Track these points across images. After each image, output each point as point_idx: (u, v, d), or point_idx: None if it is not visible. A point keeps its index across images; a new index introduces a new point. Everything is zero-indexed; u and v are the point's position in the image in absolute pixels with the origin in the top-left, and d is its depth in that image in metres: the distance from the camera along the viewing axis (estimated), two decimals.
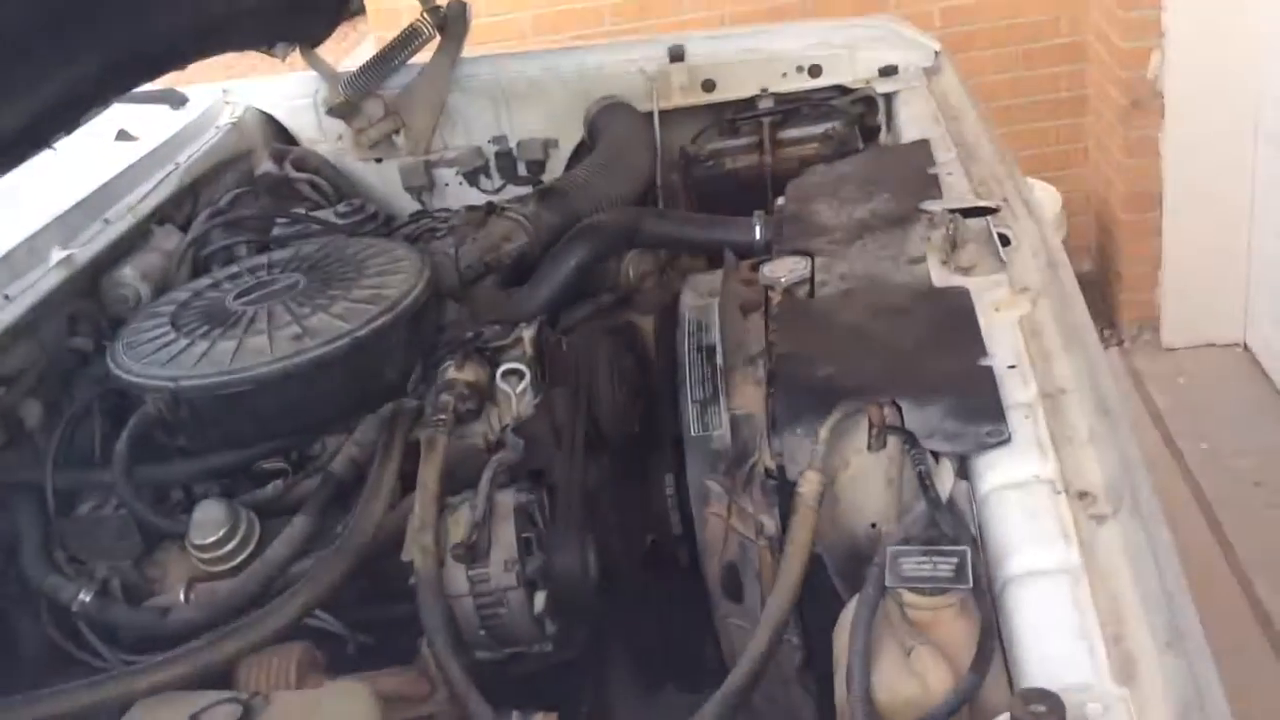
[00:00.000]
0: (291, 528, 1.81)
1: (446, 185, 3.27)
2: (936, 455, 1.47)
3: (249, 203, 2.71)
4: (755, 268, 2.18)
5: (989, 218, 1.99)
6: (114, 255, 2.30)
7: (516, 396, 1.83)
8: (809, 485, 1.46)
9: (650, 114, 2.91)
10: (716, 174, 2.76)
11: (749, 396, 1.82)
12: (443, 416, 1.77)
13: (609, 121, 2.80)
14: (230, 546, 1.84)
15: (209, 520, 1.84)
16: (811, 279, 1.93)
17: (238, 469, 1.99)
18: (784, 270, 1.94)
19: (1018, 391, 1.52)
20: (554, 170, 3.13)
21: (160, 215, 2.47)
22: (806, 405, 1.58)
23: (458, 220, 2.80)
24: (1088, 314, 1.75)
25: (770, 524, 1.65)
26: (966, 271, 1.84)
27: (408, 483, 1.75)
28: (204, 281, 2.21)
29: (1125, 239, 4.52)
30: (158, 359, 1.95)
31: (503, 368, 1.84)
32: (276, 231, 2.49)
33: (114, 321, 2.26)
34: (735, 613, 1.78)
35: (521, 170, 3.18)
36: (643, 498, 1.99)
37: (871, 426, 1.51)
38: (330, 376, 1.90)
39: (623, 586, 1.86)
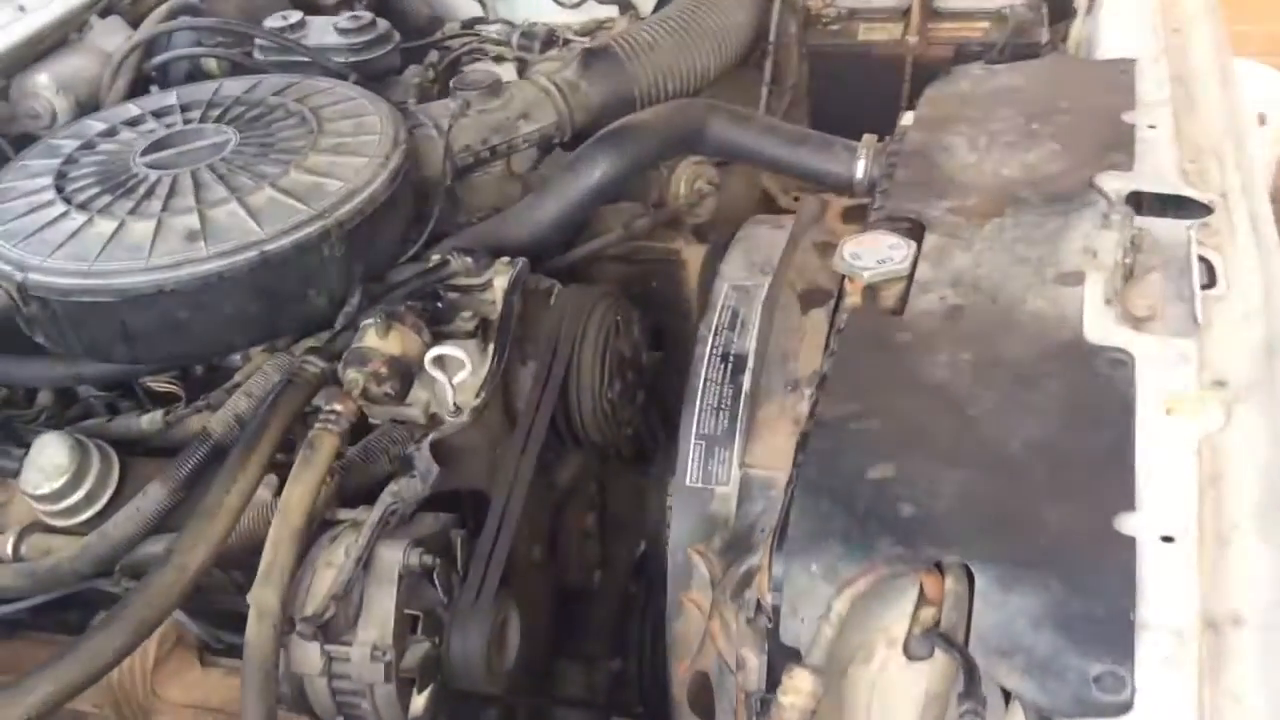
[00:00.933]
0: (143, 498, 1.36)
1: None
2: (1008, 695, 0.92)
3: None
4: (848, 215, 1.58)
5: (1193, 226, 1.34)
6: (29, 52, 1.77)
7: (454, 389, 1.30)
8: (794, 695, 0.93)
9: None
10: (842, 46, 2.09)
11: (778, 447, 1.26)
12: (337, 409, 1.26)
13: None
14: (73, 500, 1.41)
15: (47, 464, 1.40)
16: (911, 276, 1.32)
17: (110, 382, 1.53)
18: (873, 254, 1.34)
19: (1168, 603, 0.94)
20: None
21: (108, 2, 1.92)
22: (835, 527, 1.03)
23: (507, 50, 2.22)
24: None
25: (753, 671, 1.12)
26: (1139, 323, 1.22)
27: None
28: (123, 111, 1.68)
29: None
30: (18, 230, 1.47)
31: (433, 352, 1.30)
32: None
33: (18, 140, 1.77)
34: None
35: None
36: (640, 493, 1.49)
37: (918, 607, 0.96)
38: (225, 298, 1.40)
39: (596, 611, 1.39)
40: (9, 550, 1.43)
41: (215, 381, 1.54)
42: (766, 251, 1.45)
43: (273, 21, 2.01)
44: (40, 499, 1.41)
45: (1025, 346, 1.22)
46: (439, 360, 1.28)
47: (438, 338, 1.39)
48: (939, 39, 2.04)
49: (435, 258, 1.49)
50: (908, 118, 1.67)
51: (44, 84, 1.75)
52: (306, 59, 1.90)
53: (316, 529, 1.26)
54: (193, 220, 1.43)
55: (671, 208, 1.71)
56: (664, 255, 1.73)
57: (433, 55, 2.25)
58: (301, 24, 2.03)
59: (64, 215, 1.47)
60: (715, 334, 1.36)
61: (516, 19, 2.68)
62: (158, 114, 1.64)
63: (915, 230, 1.42)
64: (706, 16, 1.86)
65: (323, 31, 2.01)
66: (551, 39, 2.28)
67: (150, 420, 1.50)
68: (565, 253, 1.65)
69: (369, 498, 1.29)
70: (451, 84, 1.74)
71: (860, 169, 1.60)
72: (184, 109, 1.64)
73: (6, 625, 1.46)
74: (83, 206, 1.47)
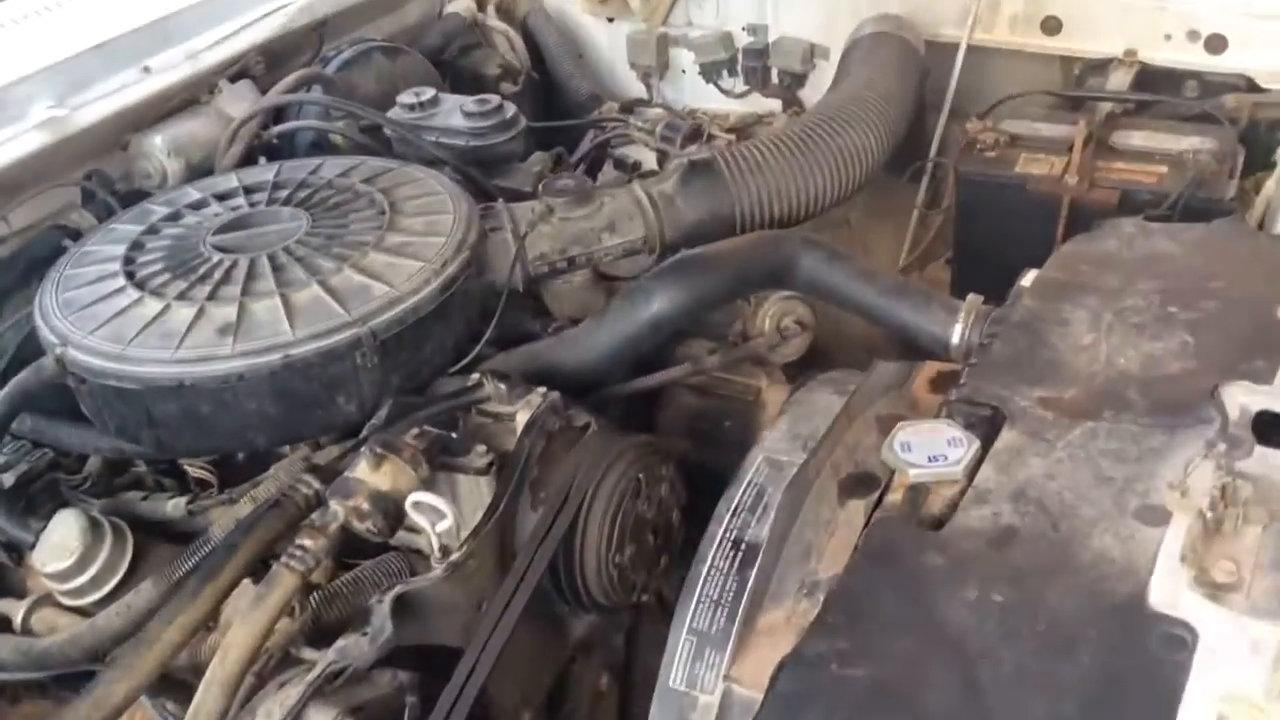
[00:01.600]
0: (135, 594, 1.33)
1: (683, 73, 2.56)
2: None
3: (391, 63, 2.12)
4: (938, 384, 1.41)
5: None
6: (153, 112, 1.79)
7: (436, 537, 1.20)
8: None
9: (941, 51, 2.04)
10: (995, 176, 1.89)
11: (774, 663, 1.10)
12: (305, 545, 1.18)
13: (863, 59, 1.97)
14: (79, 582, 1.39)
15: (58, 542, 1.39)
16: (971, 478, 1.14)
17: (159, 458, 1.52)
18: (927, 448, 1.17)
19: None
20: (816, 87, 2.33)
21: (242, 66, 1.93)
22: None
23: (651, 139, 2.13)
24: None
25: None
26: (1216, 591, 1.00)
27: None
28: (212, 186, 1.67)
29: None
30: (75, 300, 1.47)
31: (412, 498, 1.20)
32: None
33: (128, 197, 1.79)
34: None
35: (774, 78, 2.41)
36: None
37: None
38: (246, 397, 1.35)
39: None
40: (18, 621, 1.43)
41: (253, 471, 1.50)
42: (824, 420, 1.29)
43: (405, 98, 1.98)
44: (49, 576, 1.40)
45: (1073, 597, 1.02)
46: (418, 506, 1.19)
47: (448, 469, 1.30)
48: (1105, 180, 1.81)
49: (473, 378, 1.40)
50: (1028, 278, 1.48)
51: (158, 145, 1.78)
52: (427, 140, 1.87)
53: (276, 666, 1.19)
54: (231, 312, 1.39)
55: (749, 345, 1.57)
56: (740, 393, 1.59)
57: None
58: (434, 101, 2.00)
59: (119, 291, 1.46)
60: (734, 514, 1.21)
61: (681, 104, 2.60)
62: (221, 197, 1.62)
63: (994, 419, 1.24)
64: (833, 136, 1.71)
65: (450, 113, 1.97)
66: (696, 133, 2.17)
67: (175, 506, 1.47)
68: (627, 382, 1.53)
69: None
70: (540, 187, 1.65)
71: (957, 333, 1.42)
72: (248, 191, 1.62)
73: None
74: (139, 284, 1.46)
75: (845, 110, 1.75)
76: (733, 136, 2.14)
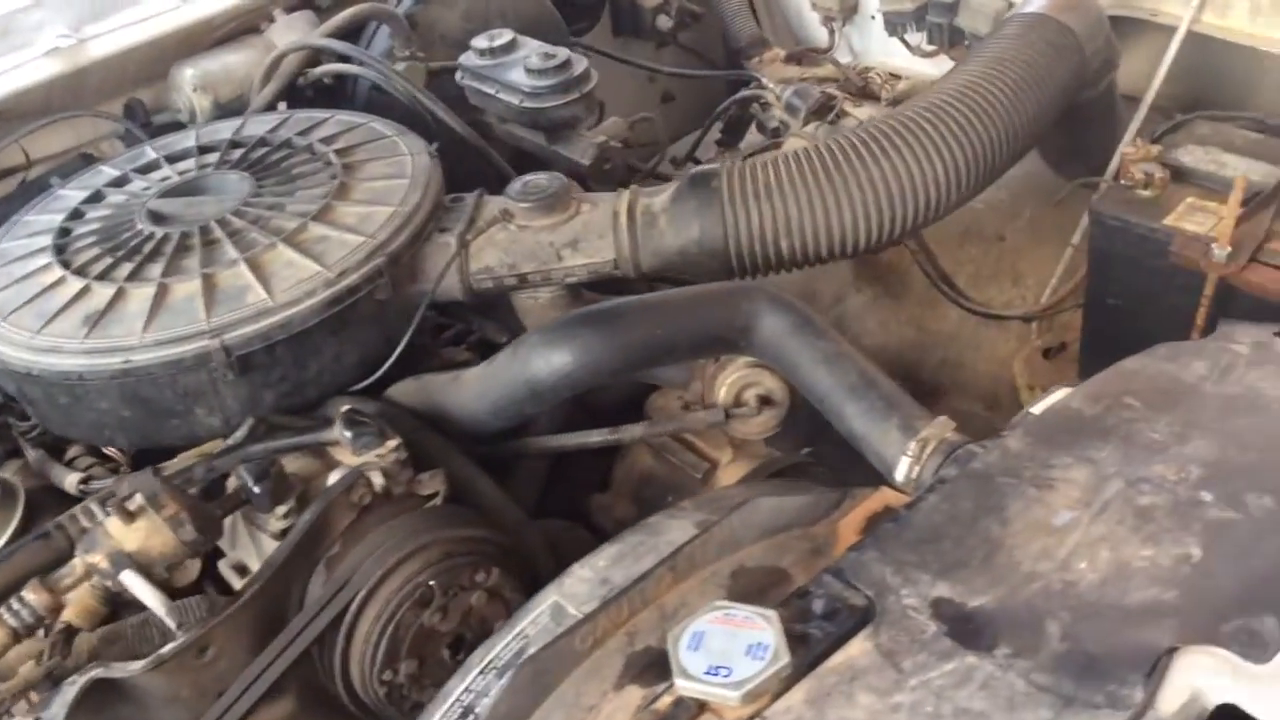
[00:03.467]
0: None
1: (872, 19, 2.15)
2: None
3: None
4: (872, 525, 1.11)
5: None
6: (200, 40, 1.69)
7: (167, 612, 1.04)
8: None
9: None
10: (1135, 223, 1.42)
11: None
12: (26, 600, 1.06)
13: (990, 49, 1.52)
14: None
15: None
16: (754, 714, 0.85)
17: None
18: (717, 651, 0.87)
19: None
20: None
21: None
22: None
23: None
24: None
25: None
26: None
27: None
28: (170, 145, 1.55)
29: None
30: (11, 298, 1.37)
31: (122, 577, 1.03)
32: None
33: (161, 129, 1.71)
34: None
35: (967, 41, 1.97)
36: None
37: None
38: (95, 396, 1.24)
39: None
40: None
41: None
42: (654, 561, 1.00)
43: (480, 41, 1.76)
44: None
45: None
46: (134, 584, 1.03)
47: (250, 524, 1.14)
48: (1275, 257, 1.30)
49: (341, 410, 1.22)
50: (1039, 406, 1.09)
51: (186, 78, 1.67)
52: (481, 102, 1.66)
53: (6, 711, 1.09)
54: (102, 300, 1.27)
55: (691, 417, 1.27)
56: (692, 466, 1.30)
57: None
58: (509, 46, 1.77)
59: (53, 287, 1.35)
60: (483, 670, 0.96)
61: (871, 56, 2.21)
62: (173, 159, 1.49)
63: (857, 617, 0.91)
64: (880, 157, 1.30)
65: (519, 63, 1.74)
66: (826, 105, 1.81)
67: (70, 481, 1.40)
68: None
69: None
70: (509, 187, 1.39)
71: (904, 465, 1.07)
72: (203, 150, 1.48)
73: None
74: (81, 271, 1.34)
75: (913, 124, 1.34)
76: (862, 116, 1.77)
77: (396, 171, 1.42)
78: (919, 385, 1.84)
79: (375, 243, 1.30)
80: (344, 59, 1.72)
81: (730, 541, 1.02)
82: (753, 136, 2.06)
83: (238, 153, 1.48)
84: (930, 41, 1.99)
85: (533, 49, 1.75)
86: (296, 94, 1.74)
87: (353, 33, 1.78)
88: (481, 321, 1.46)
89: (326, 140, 1.50)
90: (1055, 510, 0.97)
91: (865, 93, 2.03)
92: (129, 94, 1.71)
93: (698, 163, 2.12)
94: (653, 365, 1.25)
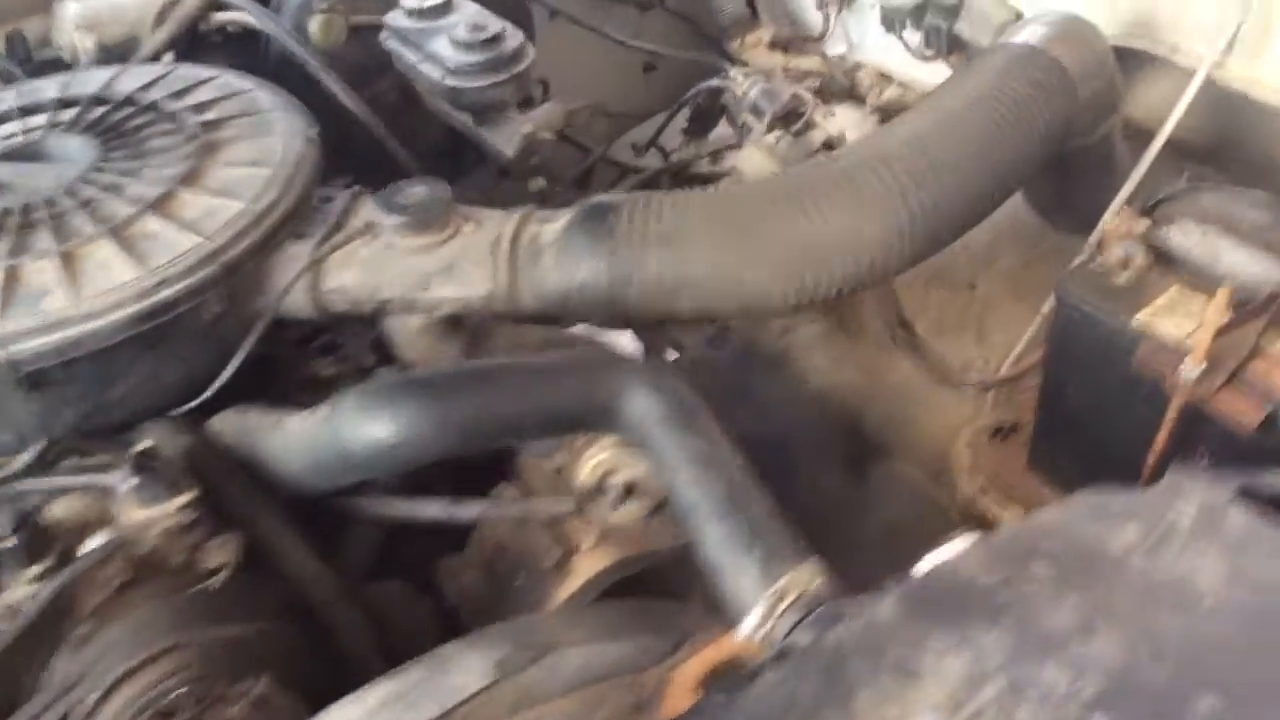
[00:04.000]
0: None
1: (871, 7, 1.92)
2: None
3: None
4: (714, 679, 0.94)
5: None
6: None
7: None
8: None
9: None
10: (1101, 316, 1.21)
11: None
12: None
13: (961, 84, 1.31)
14: None
15: None
16: None
17: None
18: None
19: None
20: None
21: None
22: None
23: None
24: None
25: None
26: None
27: None
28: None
29: None
30: None
31: None
32: None
33: (42, 67, 1.53)
34: None
35: (967, 51, 1.75)
36: None
37: None
38: None
39: None
40: None
41: None
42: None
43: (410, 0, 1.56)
44: None
45: None
46: None
47: None
48: (1256, 383, 1.10)
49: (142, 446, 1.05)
50: (926, 564, 0.91)
51: (69, 14, 1.48)
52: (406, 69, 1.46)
53: None
54: None
55: (539, 504, 1.09)
56: (545, 549, 1.13)
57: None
58: (444, 8, 1.57)
59: None
60: None
61: (865, 51, 1.98)
62: (28, 111, 1.31)
63: None
64: (813, 211, 1.11)
65: (451, 30, 1.53)
66: (795, 111, 1.60)
67: None
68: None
69: None
70: (379, 195, 1.20)
71: (753, 618, 0.89)
72: (25, 112, 1.30)
73: None
74: None
75: (853, 174, 1.13)
76: (830, 134, 1.56)
77: (260, 158, 1.23)
78: (863, 439, 1.66)
79: (210, 248, 1.11)
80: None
81: (527, 697, 0.85)
82: (724, 129, 1.86)
83: (97, 112, 1.29)
84: (928, 45, 1.76)
85: (466, 16, 1.54)
86: (200, 43, 1.54)
87: None
88: (347, 338, 1.28)
89: (199, 108, 1.31)
90: (912, 711, 0.80)
91: (851, 93, 1.82)
92: (13, 24, 1.52)
93: (663, 153, 1.93)
94: (495, 444, 1.07)
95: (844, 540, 1.08)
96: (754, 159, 1.56)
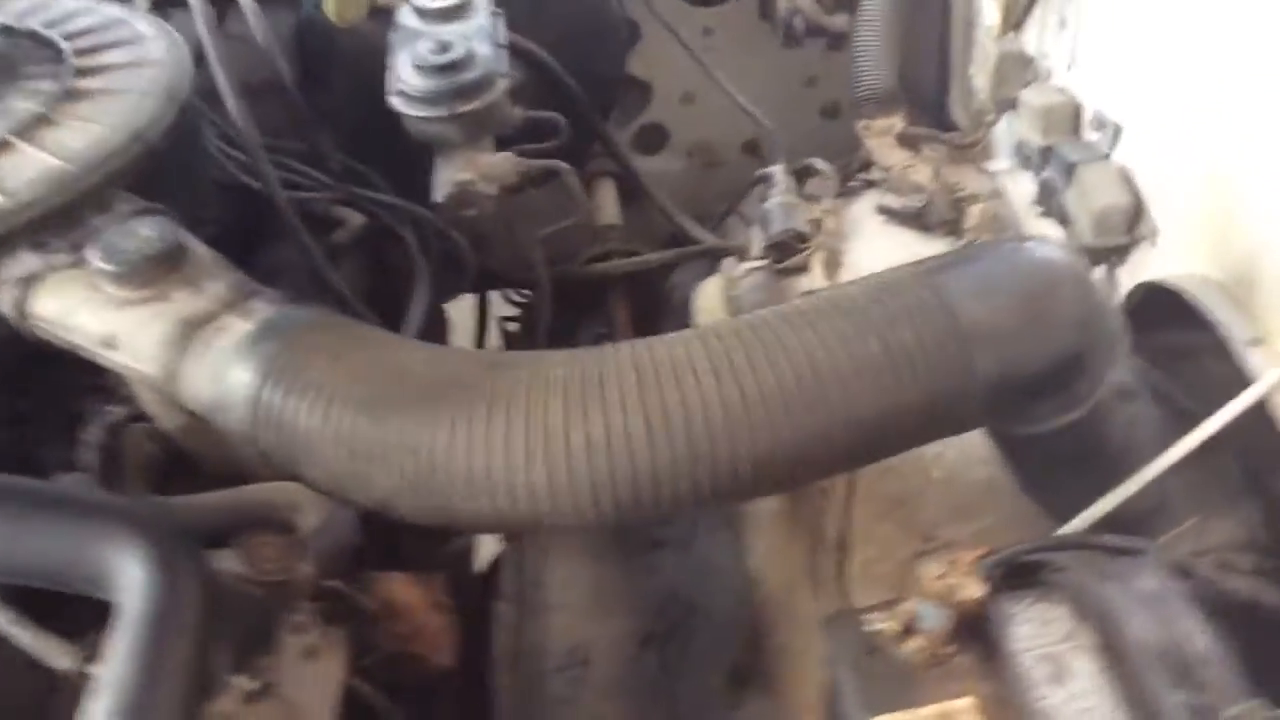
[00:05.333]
0: None
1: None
2: None
3: None
4: None
5: None
6: None
7: None
8: None
9: None
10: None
11: None
12: None
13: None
14: None
15: None
16: None
17: None
18: None
19: None
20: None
21: None
22: None
23: None
24: None
25: None
26: None
27: None
28: None
29: None
30: None
31: None
32: None
33: None
34: None
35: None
36: None
37: None
38: None
39: None
40: None
41: None
42: None
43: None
44: None
45: None
46: None
47: None
48: None
49: None
50: None
51: None
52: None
53: None
54: None
55: None
56: None
57: None
58: (456, 11, 1.39)
59: None
60: None
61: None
62: None
63: None
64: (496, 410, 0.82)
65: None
66: (790, 247, 1.27)
67: None
68: None
69: None
70: (120, 228, 1.04)
71: None
72: None
73: None
74: None
75: (586, 385, 0.81)
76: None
77: (77, 139, 1.11)
78: (759, 654, 1.34)
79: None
80: None
81: None
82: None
83: None
84: (1040, 200, 1.33)
85: (454, 30, 1.34)
86: None
87: None
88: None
89: (71, 36, 1.21)
90: None
91: (951, 225, 1.40)
92: None
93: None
94: None
95: None
96: (708, 293, 1.25)
